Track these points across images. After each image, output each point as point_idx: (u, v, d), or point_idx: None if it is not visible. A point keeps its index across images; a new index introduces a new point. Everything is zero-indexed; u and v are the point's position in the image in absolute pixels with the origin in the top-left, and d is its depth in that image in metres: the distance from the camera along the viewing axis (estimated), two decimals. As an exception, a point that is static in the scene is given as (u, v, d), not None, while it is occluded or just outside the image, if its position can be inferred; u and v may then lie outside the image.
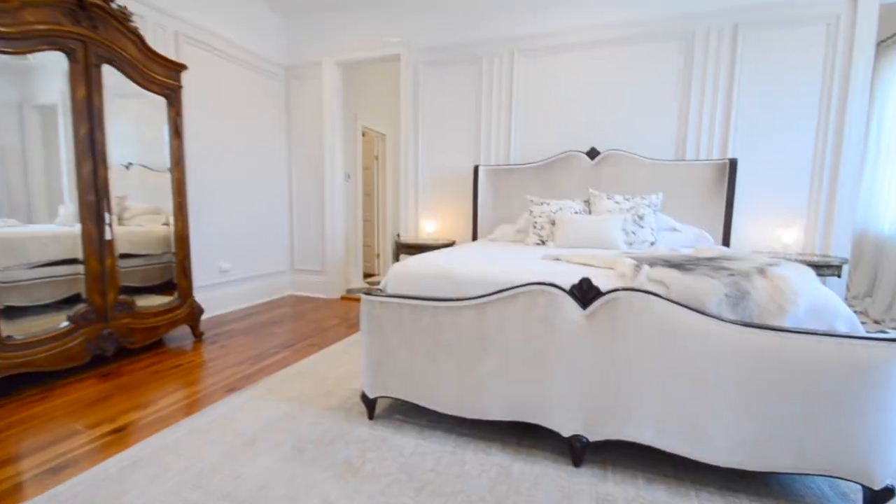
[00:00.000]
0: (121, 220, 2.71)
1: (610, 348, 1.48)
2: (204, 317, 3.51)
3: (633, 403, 1.48)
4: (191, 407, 2.04)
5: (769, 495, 1.44)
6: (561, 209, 3.02)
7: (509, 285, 1.60)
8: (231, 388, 2.25)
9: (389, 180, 6.08)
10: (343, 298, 4.48)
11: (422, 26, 3.92)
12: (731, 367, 1.35)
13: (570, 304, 1.51)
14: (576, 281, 1.52)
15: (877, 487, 1.30)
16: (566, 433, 1.58)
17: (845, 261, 2.74)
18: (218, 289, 3.80)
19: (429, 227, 4.08)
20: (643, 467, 1.58)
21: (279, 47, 4.40)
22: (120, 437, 1.77)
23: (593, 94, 3.47)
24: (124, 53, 2.50)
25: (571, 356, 1.53)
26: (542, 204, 3.12)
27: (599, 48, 3.42)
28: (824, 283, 2.91)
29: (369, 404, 1.90)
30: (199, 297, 3.32)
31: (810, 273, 1.53)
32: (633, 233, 2.76)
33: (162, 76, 2.75)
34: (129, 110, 2.73)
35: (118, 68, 2.49)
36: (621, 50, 3.37)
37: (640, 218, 2.79)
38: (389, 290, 1.92)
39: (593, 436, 1.55)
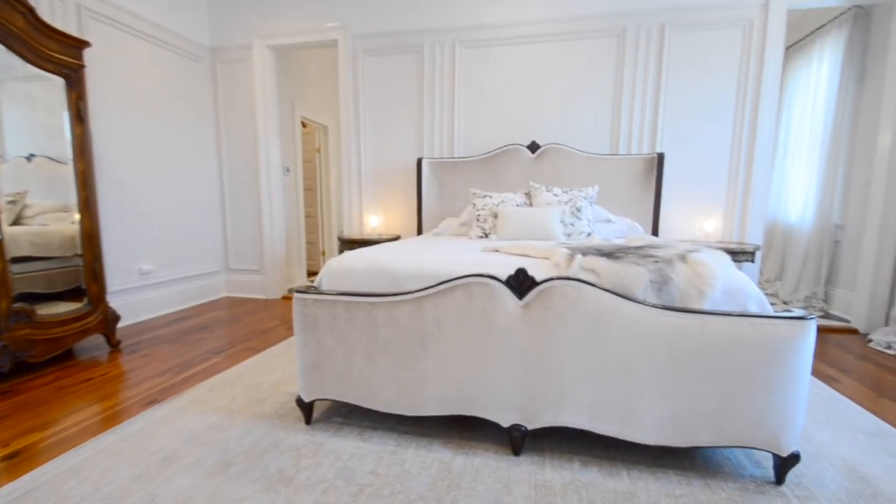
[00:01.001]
0: (21, 219, 2.41)
1: (545, 337, 1.49)
2: (123, 324, 3.22)
3: (568, 390, 1.50)
4: (101, 425, 1.84)
5: (693, 468, 1.52)
6: (503, 202, 3.05)
7: (447, 278, 1.57)
8: (151, 401, 2.06)
9: (333, 174, 5.88)
10: (284, 299, 4.27)
11: (361, 12, 3.79)
12: (656, 350, 1.40)
13: (507, 295, 1.51)
14: (512, 272, 1.51)
15: (784, 454, 1.40)
16: (506, 423, 1.58)
17: (758, 247, 2.98)
18: (138, 293, 3.48)
19: (373, 222, 3.98)
20: (579, 451, 1.61)
21: (203, 27, 4.09)
22: (12, 465, 1.56)
23: (533, 89, 3.53)
24: (11, 27, 2.19)
25: (509, 347, 1.53)
26: (484, 197, 3.13)
27: (538, 43, 3.48)
28: (740, 267, 3.15)
29: (306, 409, 1.81)
30: (116, 302, 3.03)
31: (726, 258, 1.63)
32: (572, 224, 2.84)
33: (59, 54, 2.44)
34: (25, 94, 2.42)
35: (3, 43, 2.18)
36: (559, 46, 3.45)
37: (578, 210, 2.87)
38: (325, 287, 1.83)
39: (532, 424, 1.56)
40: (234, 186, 4.32)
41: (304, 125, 5.64)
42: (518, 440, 1.57)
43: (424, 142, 3.79)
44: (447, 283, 1.55)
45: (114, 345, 2.80)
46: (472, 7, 3.56)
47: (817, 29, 3.86)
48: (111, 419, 1.88)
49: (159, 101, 3.65)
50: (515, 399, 1.56)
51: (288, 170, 4.70)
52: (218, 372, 2.40)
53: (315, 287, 1.82)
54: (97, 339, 2.85)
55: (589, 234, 2.82)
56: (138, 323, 3.40)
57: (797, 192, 4.11)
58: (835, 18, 3.63)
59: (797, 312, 1.35)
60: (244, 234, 4.35)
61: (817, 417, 1.91)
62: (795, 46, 4.22)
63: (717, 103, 3.22)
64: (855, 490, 1.42)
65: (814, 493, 1.40)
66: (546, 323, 1.48)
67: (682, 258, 1.52)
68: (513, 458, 1.58)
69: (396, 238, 3.76)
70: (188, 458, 1.58)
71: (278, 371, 2.40)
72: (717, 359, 1.37)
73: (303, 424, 1.82)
